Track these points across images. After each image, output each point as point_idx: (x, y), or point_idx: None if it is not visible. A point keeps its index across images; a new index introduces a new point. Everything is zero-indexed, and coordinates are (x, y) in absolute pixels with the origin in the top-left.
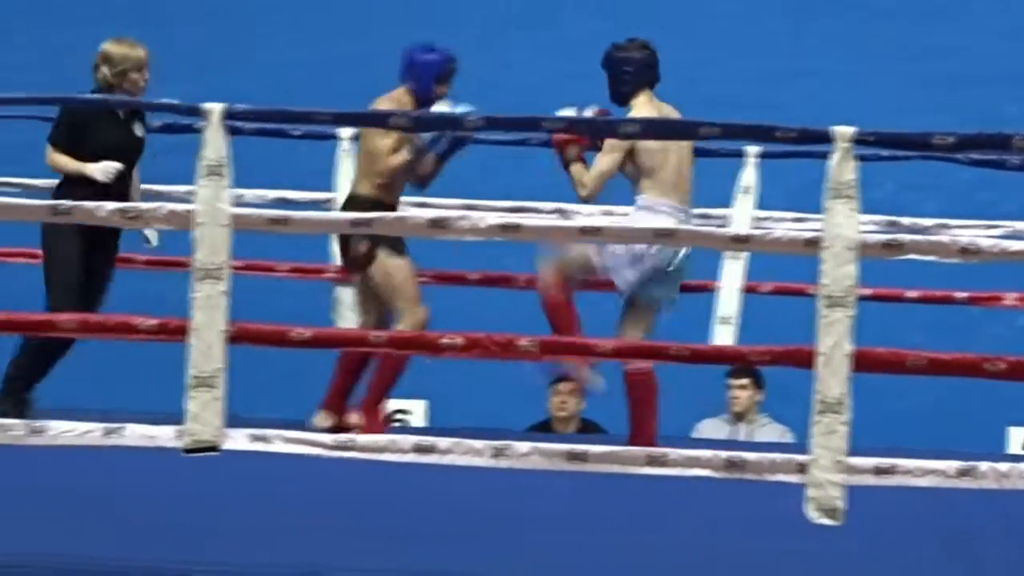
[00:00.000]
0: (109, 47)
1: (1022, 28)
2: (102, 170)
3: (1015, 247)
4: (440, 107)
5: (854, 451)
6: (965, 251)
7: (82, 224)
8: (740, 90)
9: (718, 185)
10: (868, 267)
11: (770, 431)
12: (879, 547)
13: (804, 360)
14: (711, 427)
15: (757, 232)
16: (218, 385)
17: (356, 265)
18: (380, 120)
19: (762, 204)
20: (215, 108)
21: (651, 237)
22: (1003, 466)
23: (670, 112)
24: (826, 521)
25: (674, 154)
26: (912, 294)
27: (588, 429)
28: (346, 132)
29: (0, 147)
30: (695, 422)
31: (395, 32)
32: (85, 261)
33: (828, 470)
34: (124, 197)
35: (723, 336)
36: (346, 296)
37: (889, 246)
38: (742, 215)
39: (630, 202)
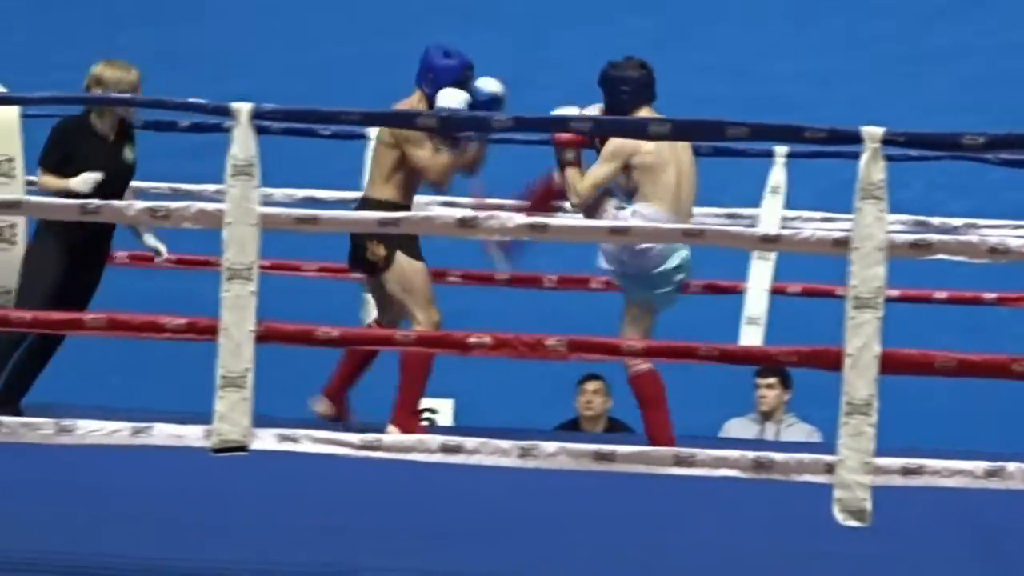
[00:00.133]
0: (102, 70)
1: None
2: (82, 181)
3: None
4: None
5: (881, 452)
6: (994, 251)
7: (67, 240)
8: (781, 90)
9: (747, 185)
10: (896, 268)
11: (797, 431)
12: (906, 548)
13: (832, 361)
14: (739, 426)
15: (786, 232)
16: (246, 385)
17: (370, 268)
18: (408, 120)
19: (791, 204)
20: (243, 108)
21: (679, 237)
22: None
23: None
24: (853, 522)
25: (672, 168)
26: (941, 295)
27: (616, 428)
28: (375, 132)
29: (38, 146)
30: (723, 421)
31: (438, 31)
32: (65, 277)
33: (855, 471)
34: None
35: (751, 337)
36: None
37: (918, 246)
38: (771, 215)
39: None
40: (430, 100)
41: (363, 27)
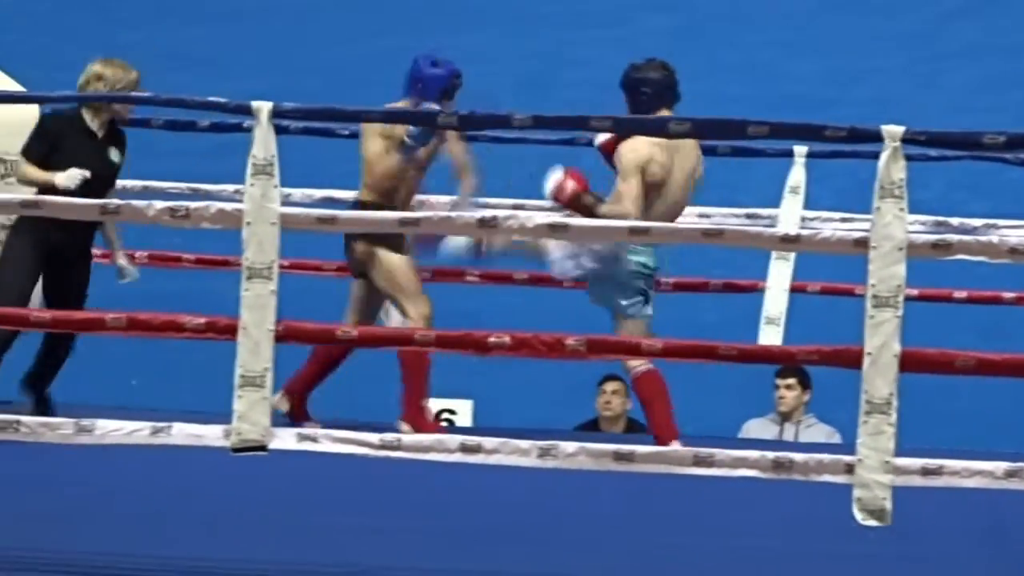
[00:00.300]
0: (102, 68)
1: None
2: (67, 177)
3: None
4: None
5: (901, 452)
6: (1014, 251)
7: (39, 237)
8: (800, 89)
9: (766, 185)
10: (915, 267)
11: (817, 431)
12: (926, 549)
13: (852, 360)
14: (758, 427)
15: (806, 232)
16: (266, 384)
17: (358, 267)
18: (426, 120)
19: (810, 204)
20: (263, 107)
21: (699, 237)
22: None
23: (683, 140)
24: (873, 522)
25: (671, 182)
26: (960, 294)
27: (635, 429)
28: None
29: None
30: (742, 422)
31: (461, 30)
32: (41, 274)
33: (875, 471)
34: (94, 223)
35: (770, 336)
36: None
37: (938, 246)
38: (790, 215)
39: None
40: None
41: (380, 25)
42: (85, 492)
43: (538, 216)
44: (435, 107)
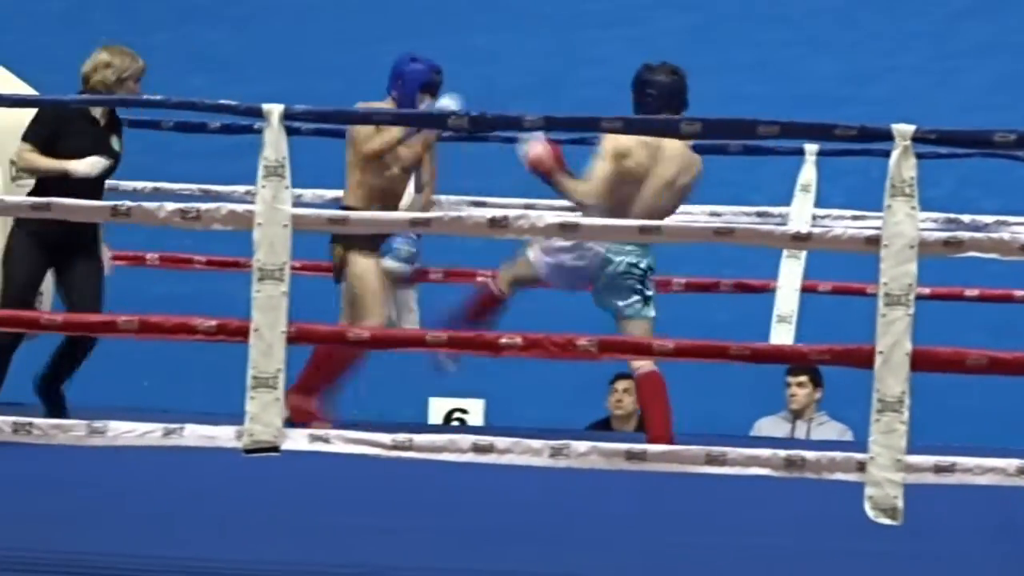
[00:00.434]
0: (110, 56)
1: None
2: (89, 164)
3: None
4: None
5: (913, 449)
6: None
7: (36, 232)
8: (813, 88)
9: (777, 184)
10: (927, 265)
11: (828, 429)
12: (938, 547)
13: (864, 359)
14: (770, 425)
15: (817, 230)
16: (278, 385)
17: (336, 270)
18: (438, 121)
19: (821, 202)
20: (275, 109)
21: (710, 236)
22: None
23: (667, 144)
24: (885, 520)
25: (649, 184)
26: (971, 292)
27: None
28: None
29: None
30: (754, 420)
31: (476, 31)
32: (42, 264)
33: (887, 469)
34: None
35: (781, 335)
36: (406, 296)
37: (949, 244)
38: (801, 213)
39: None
40: (399, 105)
41: (394, 28)
42: (97, 494)
43: (548, 216)
44: (452, 104)
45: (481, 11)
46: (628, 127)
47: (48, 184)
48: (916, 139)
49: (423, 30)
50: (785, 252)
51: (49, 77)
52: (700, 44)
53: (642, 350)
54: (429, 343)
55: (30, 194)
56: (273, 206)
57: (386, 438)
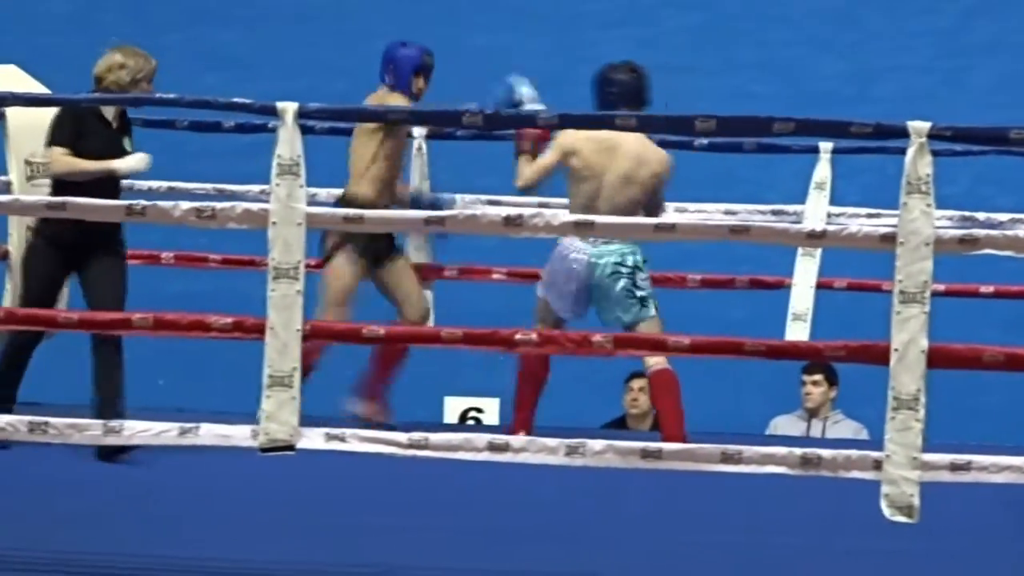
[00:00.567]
0: (123, 57)
1: None
2: (138, 160)
3: None
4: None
5: (929, 447)
6: None
7: (48, 232)
8: (824, 87)
9: (792, 182)
10: (942, 263)
11: (844, 428)
12: (954, 545)
13: (879, 356)
14: (785, 424)
15: (833, 228)
16: (294, 384)
17: (325, 259)
18: (453, 119)
19: (836, 200)
20: (289, 107)
21: (726, 234)
22: None
23: (623, 141)
24: (901, 518)
25: (594, 182)
26: (987, 289)
27: None
28: (418, 131)
29: None
30: (769, 419)
31: (486, 30)
32: (57, 276)
33: (903, 467)
34: None
35: (797, 333)
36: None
37: (964, 241)
38: (816, 211)
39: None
40: (394, 90)
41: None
42: (112, 494)
43: (563, 214)
44: (525, 88)
45: (481, 11)
46: (642, 125)
47: (68, 185)
48: (932, 136)
49: (423, 30)
50: (800, 250)
51: (60, 78)
52: (708, 44)
53: (658, 346)
54: (444, 340)
55: (50, 195)
56: (288, 204)
57: (402, 437)
